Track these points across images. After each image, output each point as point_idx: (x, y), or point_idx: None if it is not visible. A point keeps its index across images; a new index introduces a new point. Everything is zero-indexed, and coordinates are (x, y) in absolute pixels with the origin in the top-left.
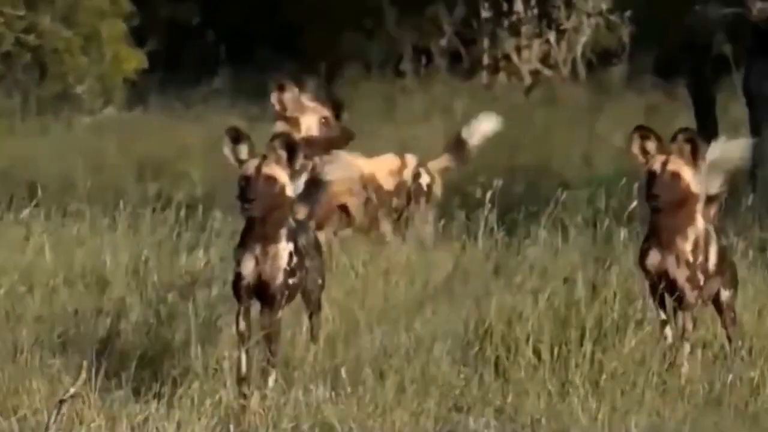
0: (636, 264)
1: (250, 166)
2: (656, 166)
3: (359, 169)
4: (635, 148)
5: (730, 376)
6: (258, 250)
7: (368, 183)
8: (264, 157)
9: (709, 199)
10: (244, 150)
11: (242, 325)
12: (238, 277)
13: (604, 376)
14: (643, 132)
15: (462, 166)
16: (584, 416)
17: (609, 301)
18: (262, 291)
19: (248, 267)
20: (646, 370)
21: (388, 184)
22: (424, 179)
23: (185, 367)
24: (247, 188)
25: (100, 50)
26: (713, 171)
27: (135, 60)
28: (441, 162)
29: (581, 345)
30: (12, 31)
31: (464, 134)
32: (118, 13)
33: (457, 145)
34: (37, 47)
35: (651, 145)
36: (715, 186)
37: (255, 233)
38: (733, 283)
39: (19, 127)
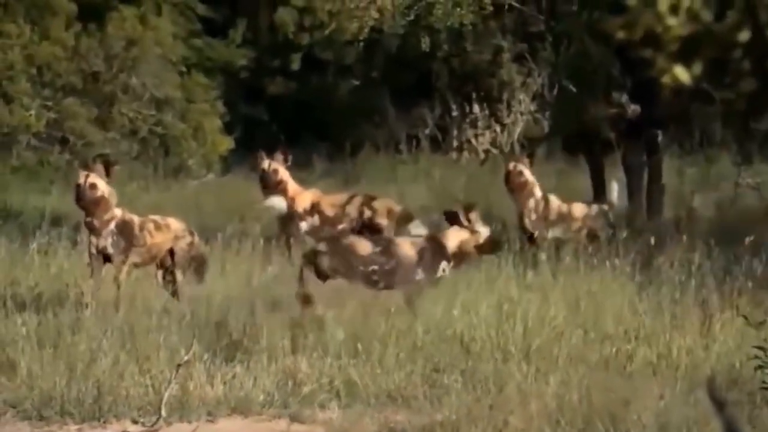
0: None
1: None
2: None
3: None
4: None
5: (614, 348)
6: None
7: (315, 208)
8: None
9: None
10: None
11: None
12: None
13: (532, 348)
14: None
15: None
16: (519, 375)
17: (532, 299)
18: None
19: None
20: (558, 345)
21: (329, 212)
22: (366, 213)
23: (258, 344)
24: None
25: (204, 137)
26: None
27: (226, 143)
28: (390, 203)
29: (515, 328)
30: (146, 125)
31: (413, 224)
32: (215, 113)
33: (405, 217)
34: (163, 135)
35: None
36: None
37: None
38: None
39: (152, 187)
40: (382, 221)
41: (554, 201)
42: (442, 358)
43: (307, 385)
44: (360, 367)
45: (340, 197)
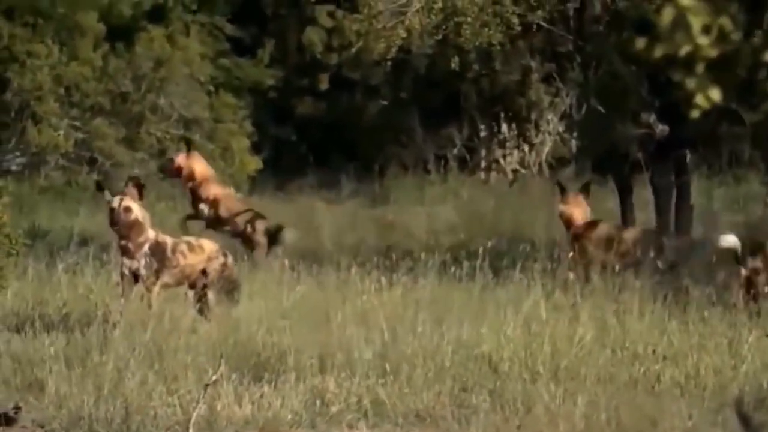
0: None
1: None
2: None
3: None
4: None
5: (642, 368)
6: None
7: (214, 204)
8: None
9: None
10: None
11: None
12: None
13: (560, 368)
14: None
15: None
16: (547, 395)
17: (562, 318)
18: None
19: None
20: (586, 365)
21: (224, 213)
22: (248, 229)
23: (286, 364)
24: None
25: (232, 157)
26: None
27: (254, 163)
28: (268, 223)
29: (543, 348)
30: (174, 144)
31: (286, 231)
32: (243, 133)
33: (275, 228)
34: None
35: None
36: None
37: None
38: None
39: (179, 208)
40: (259, 238)
41: (602, 226)
42: (470, 377)
43: (335, 404)
44: (388, 387)
45: (240, 206)
